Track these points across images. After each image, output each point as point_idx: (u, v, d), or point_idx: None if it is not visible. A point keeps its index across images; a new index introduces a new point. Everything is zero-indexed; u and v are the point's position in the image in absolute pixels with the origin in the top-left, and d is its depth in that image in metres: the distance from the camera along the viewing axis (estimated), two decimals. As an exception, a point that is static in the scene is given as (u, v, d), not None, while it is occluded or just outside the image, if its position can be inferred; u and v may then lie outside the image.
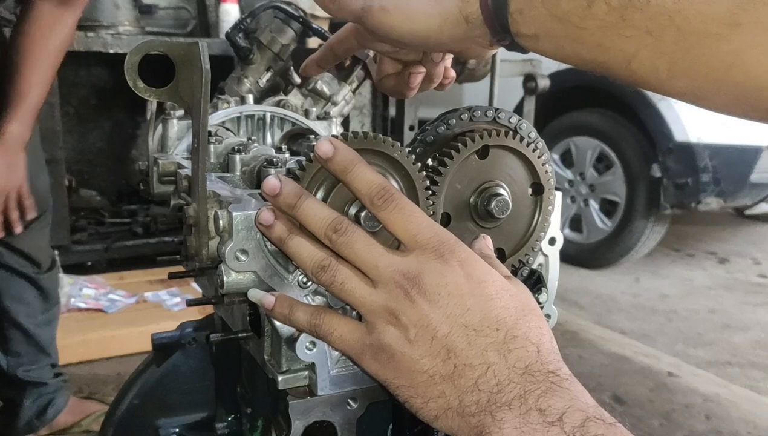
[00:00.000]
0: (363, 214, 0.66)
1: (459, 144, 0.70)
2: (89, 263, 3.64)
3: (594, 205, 4.36)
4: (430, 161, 0.72)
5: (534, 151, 0.74)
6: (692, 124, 3.80)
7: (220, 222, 0.69)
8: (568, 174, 4.43)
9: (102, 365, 2.69)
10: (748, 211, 5.30)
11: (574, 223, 4.45)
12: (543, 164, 0.75)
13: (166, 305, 3.14)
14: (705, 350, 3.15)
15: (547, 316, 0.84)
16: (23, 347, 2.04)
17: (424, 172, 0.70)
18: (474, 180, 0.72)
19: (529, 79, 3.01)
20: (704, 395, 2.55)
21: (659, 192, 4.00)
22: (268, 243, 0.70)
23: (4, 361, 2.04)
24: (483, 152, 0.71)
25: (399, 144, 0.68)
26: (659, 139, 3.94)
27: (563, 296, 3.67)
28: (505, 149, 0.72)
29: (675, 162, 3.90)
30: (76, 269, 3.46)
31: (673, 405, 2.47)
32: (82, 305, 3.06)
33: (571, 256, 4.29)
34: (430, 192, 0.70)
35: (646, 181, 4.06)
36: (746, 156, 3.77)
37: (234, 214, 0.68)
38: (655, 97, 3.89)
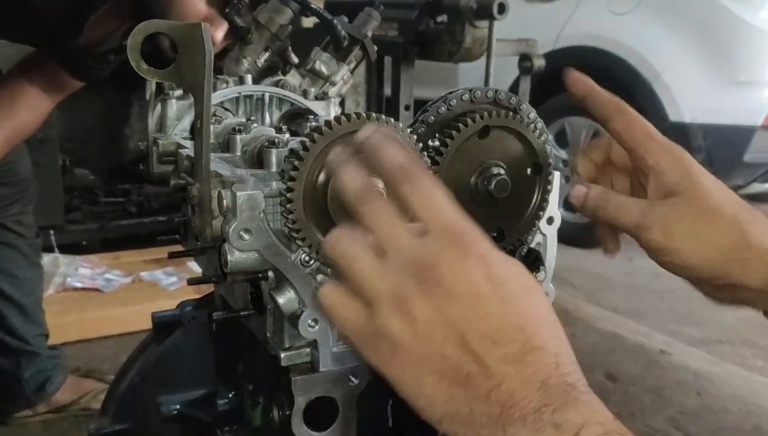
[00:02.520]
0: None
1: (460, 124, 0.71)
2: (84, 243, 3.64)
3: (588, 184, 4.37)
4: (431, 142, 0.73)
5: (534, 131, 0.75)
6: (687, 103, 3.81)
7: (224, 202, 0.70)
8: (563, 154, 4.44)
9: (99, 344, 2.70)
10: (740, 191, 5.33)
11: (569, 202, 4.45)
12: (543, 144, 0.76)
13: (162, 284, 3.15)
14: (697, 329, 3.19)
15: (545, 294, 0.86)
16: (11, 316, 2.05)
17: (425, 153, 0.71)
18: (474, 160, 0.73)
19: (524, 58, 3.01)
20: (696, 372, 2.59)
21: (653, 172, 4.01)
22: (271, 222, 0.71)
23: None
24: (483, 132, 0.72)
25: (400, 124, 0.69)
26: (654, 119, 3.89)
27: (557, 274, 3.67)
28: (505, 130, 0.73)
29: (669, 142, 3.90)
30: (71, 248, 3.46)
31: (664, 382, 2.51)
32: (78, 285, 3.07)
33: (565, 235, 4.25)
34: (431, 172, 0.71)
35: (640, 161, 4.06)
36: (740, 136, 3.78)
37: (238, 193, 0.69)
38: (650, 77, 3.89)
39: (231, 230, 0.69)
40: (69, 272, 3.13)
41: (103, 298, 3.01)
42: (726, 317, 3.34)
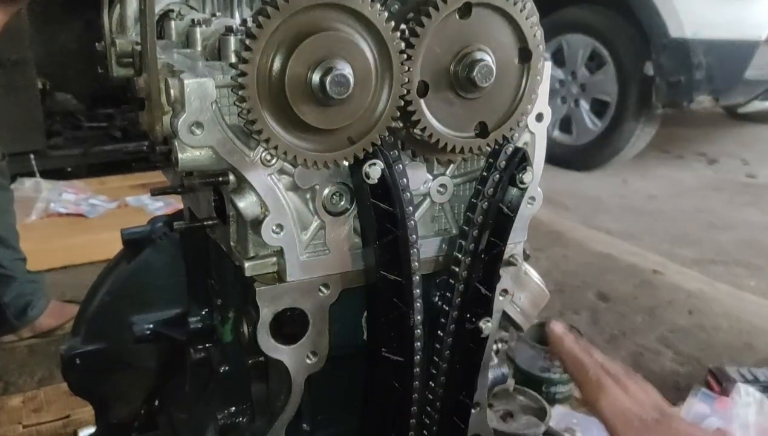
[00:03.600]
0: (328, 78, 0.59)
1: (438, 1, 0.62)
2: (68, 169, 3.55)
3: (584, 105, 4.26)
4: (404, 23, 0.64)
5: (522, 11, 0.66)
6: (689, 18, 3.66)
7: (171, 91, 0.62)
8: (560, 73, 4.30)
9: (84, 270, 2.65)
10: (741, 110, 5.22)
11: (564, 124, 4.36)
12: (531, 27, 0.68)
13: (149, 209, 3.08)
14: (690, 249, 3.15)
15: (531, 198, 0.79)
16: None
17: (399, 34, 0.62)
18: (455, 43, 0.65)
19: (520, -32, 2.85)
20: (688, 292, 2.56)
21: (651, 91, 3.90)
22: (226, 116, 0.63)
23: None
24: (465, 11, 0.64)
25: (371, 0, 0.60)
26: (654, 35, 3.80)
27: (550, 197, 3.62)
28: (489, 8, 0.65)
29: (669, 59, 3.78)
30: (55, 174, 3.38)
31: (656, 301, 2.48)
32: (62, 211, 3.00)
33: (560, 158, 4.22)
34: (405, 56, 0.63)
35: (638, 80, 3.95)
36: (742, 51, 3.65)
37: (186, 81, 0.61)
38: (651, -9, 3.73)
39: (180, 122, 0.61)
40: (52, 198, 3.05)
41: (88, 223, 2.94)
42: (720, 237, 3.31)
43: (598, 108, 4.22)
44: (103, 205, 3.09)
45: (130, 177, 3.45)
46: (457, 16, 0.64)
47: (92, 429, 1.31)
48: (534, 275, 0.87)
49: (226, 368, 0.92)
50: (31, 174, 3.19)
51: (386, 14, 0.62)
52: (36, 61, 3.41)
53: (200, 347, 1.02)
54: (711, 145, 5.02)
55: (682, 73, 3.72)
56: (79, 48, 4.14)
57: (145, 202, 3.16)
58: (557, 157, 4.20)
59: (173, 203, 3.06)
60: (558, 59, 4.33)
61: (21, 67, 3.20)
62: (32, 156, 3.22)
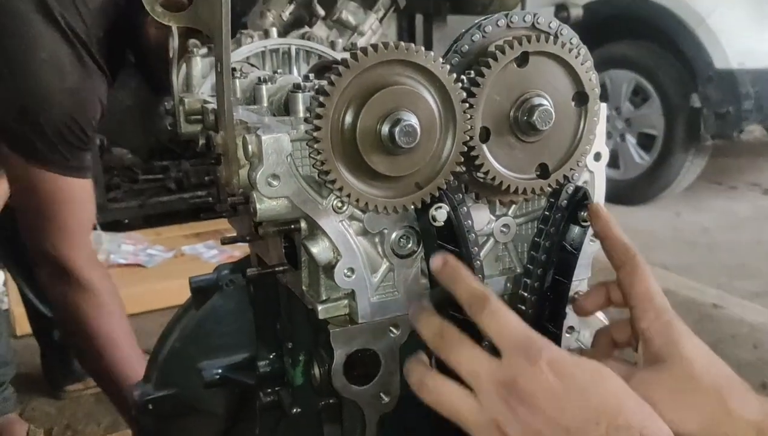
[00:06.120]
0: (397, 129, 0.62)
1: (497, 52, 0.66)
2: (126, 221, 3.68)
3: (631, 139, 4.24)
4: (465, 74, 0.68)
5: (577, 57, 0.69)
6: (733, 49, 3.64)
7: (250, 147, 0.66)
8: (604, 109, 4.30)
9: (145, 319, 2.73)
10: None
11: (611, 159, 4.31)
12: (587, 72, 0.70)
13: (204, 257, 3.17)
14: (750, 281, 3.08)
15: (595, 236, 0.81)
16: None
17: (460, 84, 0.66)
18: (514, 90, 0.68)
19: (561, 8, 2.90)
20: (751, 325, 2.50)
21: (699, 123, 3.86)
22: (300, 167, 0.67)
23: (34, 298, 2.07)
24: (522, 60, 0.67)
25: (432, 54, 0.64)
26: (698, 67, 3.78)
27: (601, 233, 3.60)
28: (545, 56, 0.68)
29: (715, 90, 3.75)
30: (113, 226, 3.50)
31: (719, 336, 2.43)
32: (122, 261, 3.11)
33: (609, 193, 4.15)
34: (467, 105, 0.66)
35: (685, 112, 3.92)
36: (790, 79, 3.61)
37: (263, 137, 0.65)
38: (694, 23, 3.72)
39: (258, 175, 0.66)
40: (112, 249, 3.17)
41: (146, 273, 3.04)
42: (781, 269, 3.22)
43: (645, 142, 4.20)
44: (161, 255, 3.19)
45: (185, 227, 3.56)
46: (515, 65, 0.67)
47: (162, 474, 1.34)
48: (597, 312, 0.88)
49: (298, 410, 0.94)
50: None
51: (448, 67, 0.65)
52: (95, 119, 3.57)
53: (269, 390, 1.05)
54: (764, 174, 4.92)
55: (729, 103, 3.68)
56: (134, 104, 4.32)
57: (200, 251, 3.25)
58: (606, 192, 4.16)
59: (226, 251, 3.14)
60: (601, 95, 4.32)
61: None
62: (93, 211, 3.34)
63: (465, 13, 2.73)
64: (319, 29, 1.22)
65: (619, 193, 4.25)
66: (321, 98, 0.62)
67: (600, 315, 0.90)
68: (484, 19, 0.68)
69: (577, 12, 2.93)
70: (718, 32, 3.67)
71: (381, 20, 1.26)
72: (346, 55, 1.15)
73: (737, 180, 4.81)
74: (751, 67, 3.64)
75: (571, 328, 0.82)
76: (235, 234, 1.10)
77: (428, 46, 2.97)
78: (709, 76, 3.74)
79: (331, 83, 0.62)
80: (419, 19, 2.96)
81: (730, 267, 3.26)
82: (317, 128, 0.62)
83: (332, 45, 1.17)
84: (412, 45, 0.63)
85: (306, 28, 1.21)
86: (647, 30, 4.01)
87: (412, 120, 0.63)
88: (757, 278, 3.11)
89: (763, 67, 3.64)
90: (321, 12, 1.27)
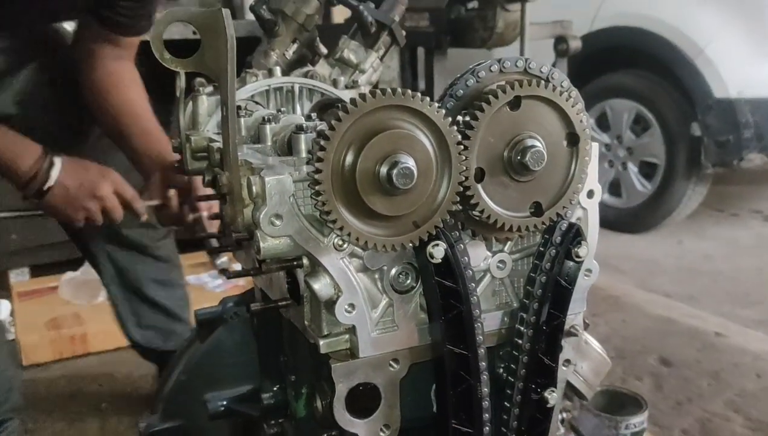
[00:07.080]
0: (395, 171, 0.65)
1: (490, 96, 0.69)
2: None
3: (632, 168, 4.27)
4: (460, 116, 0.71)
5: (567, 100, 0.72)
6: (732, 78, 3.68)
7: (254, 188, 0.69)
8: (605, 138, 4.34)
9: (150, 348, 2.74)
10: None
11: (613, 187, 4.36)
12: (578, 113, 0.73)
13: (209, 287, 3.18)
14: (753, 310, 3.07)
15: (588, 271, 0.83)
16: (153, 318, 2.05)
17: (455, 127, 0.69)
18: (507, 133, 0.71)
19: (560, 41, 2.95)
20: (754, 354, 2.49)
21: (700, 151, 3.89)
22: (302, 207, 0.70)
23: (139, 335, 2.08)
24: (515, 103, 0.70)
25: (429, 98, 0.67)
26: (698, 96, 3.82)
27: (604, 261, 3.60)
28: (537, 100, 0.71)
29: (715, 119, 3.78)
30: (120, 256, 3.52)
31: (721, 365, 2.42)
32: (127, 291, 3.12)
33: (611, 221, 4.21)
34: (462, 147, 0.69)
35: (686, 141, 3.95)
36: (790, 108, 3.64)
37: (267, 178, 0.68)
38: (692, 53, 3.77)
39: (262, 215, 0.68)
40: (118, 280, 3.18)
41: (151, 303, 3.05)
42: (784, 296, 3.22)
43: (647, 170, 4.22)
44: (166, 285, 3.21)
45: (189, 256, 3.58)
46: (508, 108, 0.70)
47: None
48: (594, 343, 0.90)
49: (300, 442, 0.96)
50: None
51: (443, 111, 0.68)
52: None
53: (273, 422, 1.07)
54: (765, 201, 4.93)
55: (729, 132, 3.71)
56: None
57: (204, 281, 3.26)
58: (608, 220, 4.18)
59: (231, 281, 3.16)
60: (603, 124, 4.37)
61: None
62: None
63: (465, 46, 2.78)
64: (322, 67, 1.26)
65: (621, 222, 4.26)
66: (322, 142, 0.65)
67: (599, 350, 0.92)
68: (478, 64, 0.71)
69: (576, 43, 2.98)
70: (717, 62, 3.71)
71: (382, 58, 1.30)
72: (348, 93, 1.19)
73: (739, 207, 4.82)
74: (750, 97, 3.68)
75: (568, 361, 0.84)
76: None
77: (429, 78, 3.03)
78: (709, 105, 3.77)
79: (332, 127, 0.65)
80: (421, 51, 3.02)
81: (732, 295, 3.26)
82: (318, 170, 0.65)
83: (334, 83, 1.20)
84: (409, 91, 0.66)
85: (309, 67, 1.25)
86: (646, 60, 4.07)
87: (409, 162, 0.66)
88: (760, 306, 3.11)
89: (761, 96, 3.68)
90: (323, 51, 1.30)
